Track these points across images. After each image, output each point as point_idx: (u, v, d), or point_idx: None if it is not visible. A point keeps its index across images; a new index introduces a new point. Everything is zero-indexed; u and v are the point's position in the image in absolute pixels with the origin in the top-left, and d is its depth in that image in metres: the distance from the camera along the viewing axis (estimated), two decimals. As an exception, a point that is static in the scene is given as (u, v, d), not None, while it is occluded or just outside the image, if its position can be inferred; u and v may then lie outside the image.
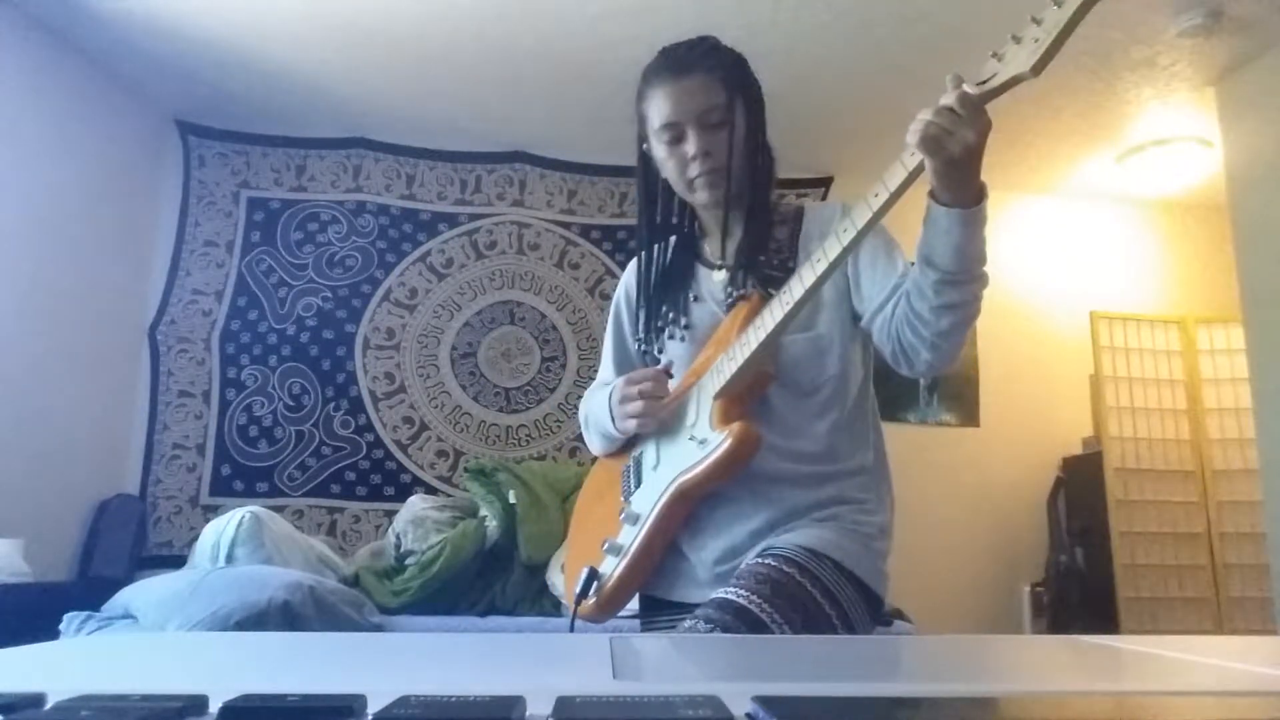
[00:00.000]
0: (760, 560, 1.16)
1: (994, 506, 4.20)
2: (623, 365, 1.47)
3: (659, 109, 1.28)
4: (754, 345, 1.17)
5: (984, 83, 1.01)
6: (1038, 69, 0.96)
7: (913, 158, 1.05)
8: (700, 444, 1.20)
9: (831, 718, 0.38)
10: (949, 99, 1.02)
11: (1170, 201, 4.53)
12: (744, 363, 1.19)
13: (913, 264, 1.19)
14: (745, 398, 1.23)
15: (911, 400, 4.19)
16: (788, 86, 3.50)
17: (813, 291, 1.13)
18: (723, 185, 1.29)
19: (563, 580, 1.46)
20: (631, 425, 1.29)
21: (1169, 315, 4.37)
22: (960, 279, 1.11)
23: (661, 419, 1.28)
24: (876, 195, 1.06)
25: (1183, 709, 0.44)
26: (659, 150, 1.31)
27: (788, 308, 1.14)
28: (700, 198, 1.31)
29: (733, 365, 1.20)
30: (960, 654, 0.75)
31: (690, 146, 1.27)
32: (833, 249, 1.10)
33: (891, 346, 1.22)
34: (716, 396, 1.22)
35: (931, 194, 1.09)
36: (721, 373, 1.22)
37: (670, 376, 1.30)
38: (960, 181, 1.06)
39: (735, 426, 1.17)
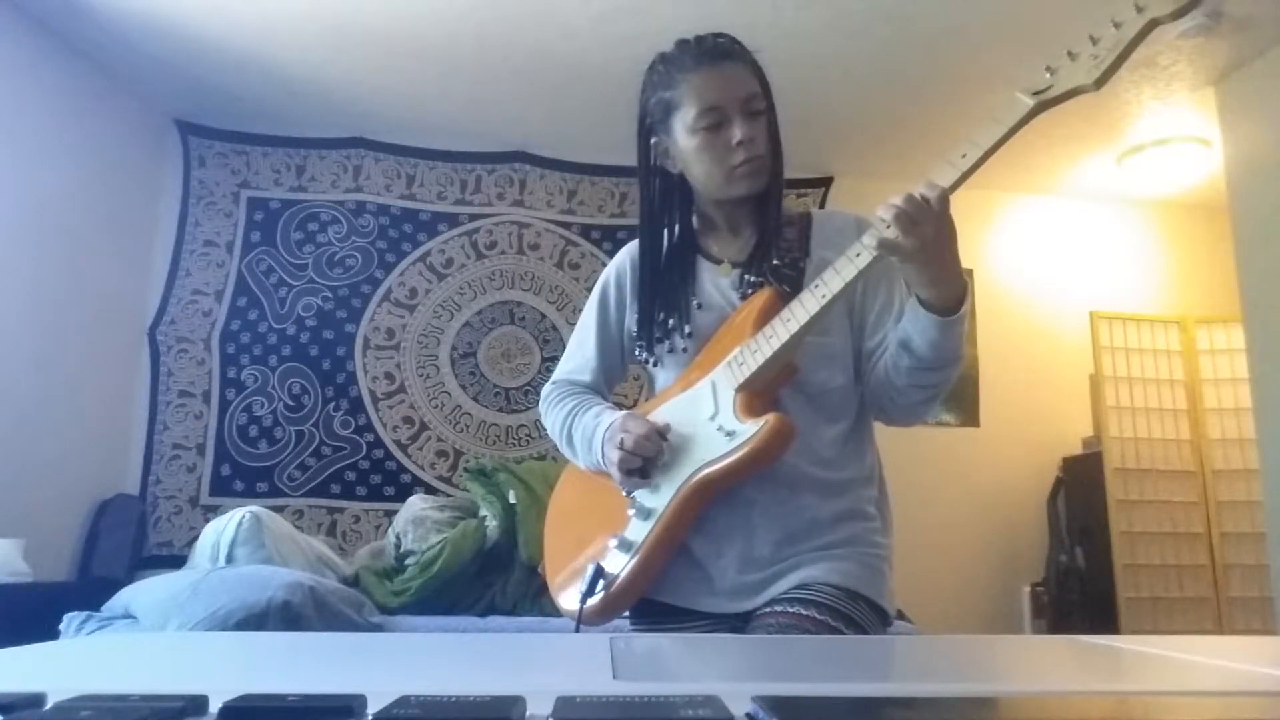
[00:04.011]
0: (803, 612, 1.15)
1: (994, 506, 4.20)
2: (605, 351, 1.40)
3: (698, 94, 1.23)
4: (784, 337, 1.15)
5: (1040, 92, 1.05)
6: (1100, 83, 1.02)
7: (964, 159, 1.08)
8: (729, 435, 1.16)
9: (831, 718, 0.38)
10: (929, 191, 1.06)
11: (1170, 201, 4.53)
12: (772, 354, 1.16)
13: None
14: (769, 390, 1.20)
15: (911, 400, 4.19)
16: (788, 86, 3.48)
17: (852, 285, 1.12)
18: (763, 175, 1.26)
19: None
20: (614, 473, 1.23)
21: (1169, 315, 4.37)
22: (935, 367, 1.16)
23: (642, 475, 1.22)
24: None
25: (1183, 709, 0.44)
26: (691, 139, 1.25)
27: (824, 300, 1.12)
28: (740, 188, 1.26)
29: (758, 357, 1.17)
30: (960, 654, 0.75)
31: (737, 132, 1.22)
32: (874, 243, 1.10)
33: (869, 398, 1.28)
34: (739, 389, 1.18)
35: (914, 293, 1.13)
36: (744, 364, 1.18)
37: (665, 439, 1.22)
38: (932, 278, 1.10)
39: (771, 417, 1.13)
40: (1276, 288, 3.24)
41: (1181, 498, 4.11)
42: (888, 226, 1.07)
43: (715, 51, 1.25)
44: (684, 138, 1.26)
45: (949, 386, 1.20)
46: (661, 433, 1.23)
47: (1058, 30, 3.13)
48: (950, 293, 1.11)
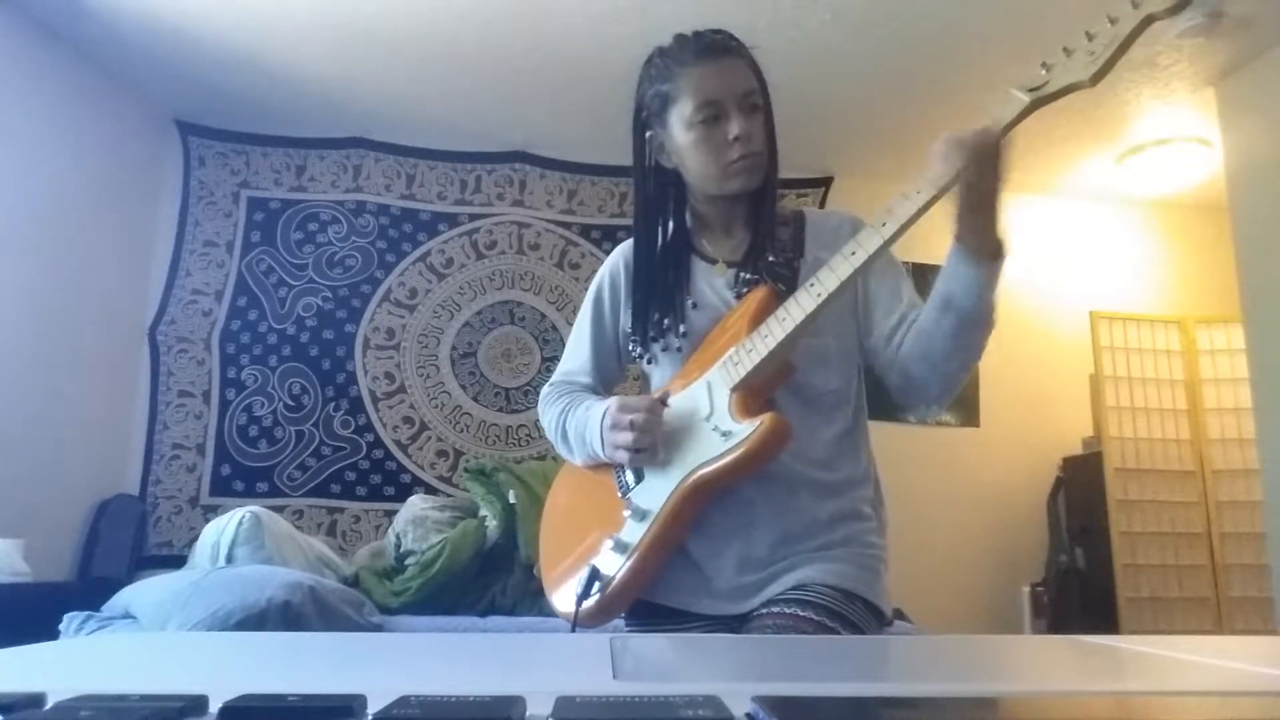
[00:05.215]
0: (799, 613, 1.15)
1: (994, 506, 4.19)
2: (600, 353, 1.39)
3: (696, 88, 1.22)
4: (780, 336, 1.14)
5: (1036, 89, 1.05)
6: (1096, 79, 1.02)
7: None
8: (724, 435, 1.15)
9: (831, 718, 0.38)
10: (986, 135, 1.06)
11: (1170, 201, 4.53)
12: (768, 354, 1.15)
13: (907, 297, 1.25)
14: (765, 390, 1.19)
15: (911, 400, 4.19)
16: (787, 86, 3.48)
17: (847, 284, 1.12)
18: (759, 172, 1.25)
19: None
20: (622, 457, 1.21)
21: (1169, 315, 4.37)
22: (979, 321, 1.15)
23: (654, 451, 1.21)
24: (919, 192, 1.09)
25: (1183, 709, 0.44)
26: (688, 134, 1.24)
27: (819, 299, 1.12)
28: (735, 184, 1.25)
29: (754, 356, 1.16)
30: (960, 654, 0.75)
31: (734, 127, 1.21)
32: (870, 242, 1.11)
33: (899, 380, 1.25)
34: (735, 388, 1.18)
35: (959, 239, 1.12)
36: (740, 364, 1.18)
37: (665, 405, 1.23)
38: (985, 225, 1.10)
39: (767, 418, 1.12)
40: (1276, 288, 3.24)
41: (1181, 498, 4.11)
42: (883, 225, 1.09)
43: (714, 46, 1.24)
44: (680, 132, 1.25)
45: (981, 354, 1.19)
46: (663, 400, 1.23)
47: (1058, 29, 3.12)
48: (995, 240, 1.11)
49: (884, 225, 1.10)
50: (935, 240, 1.15)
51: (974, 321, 1.15)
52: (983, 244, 1.11)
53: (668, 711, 0.35)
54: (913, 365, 1.22)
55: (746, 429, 1.14)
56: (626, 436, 1.19)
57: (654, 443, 1.20)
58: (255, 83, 3.61)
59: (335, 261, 3.93)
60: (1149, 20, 0.99)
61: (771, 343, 1.15)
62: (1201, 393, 4.22)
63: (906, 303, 1.26)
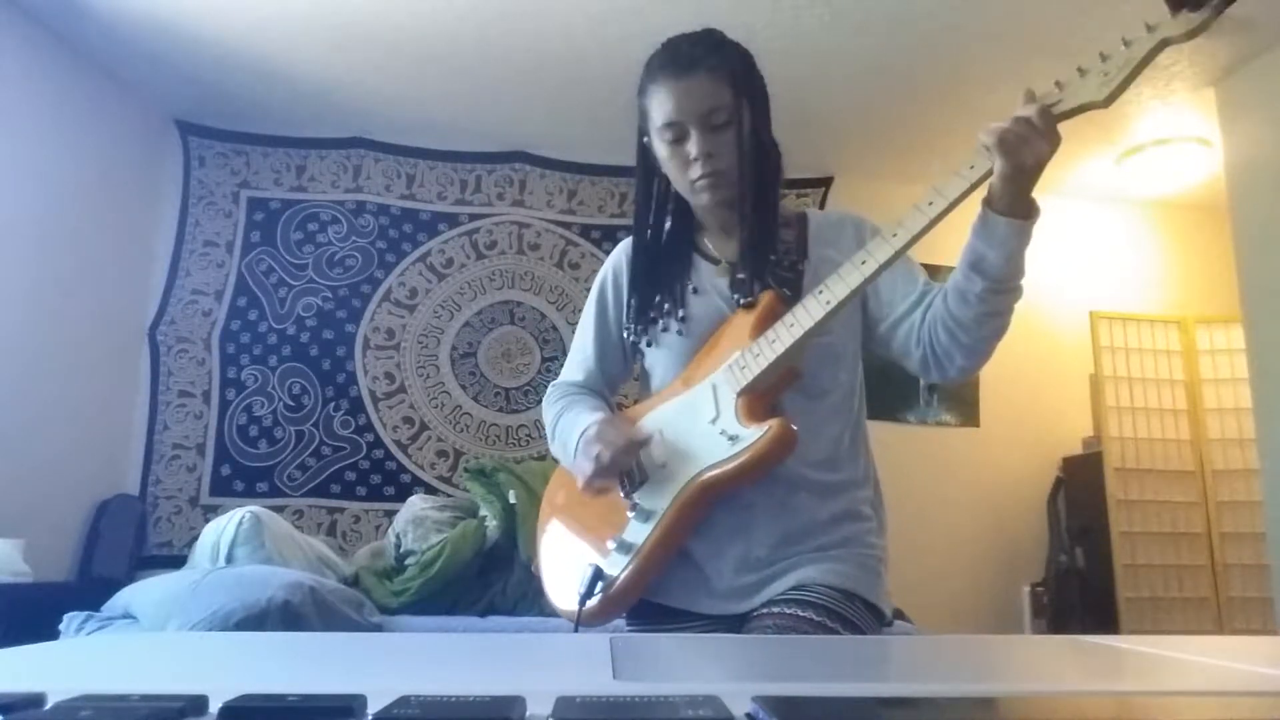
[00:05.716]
0: (799, 613, 1.16)
1: (994, 506, 4.19)
2: (605, 350, 1.40)
3: (661, 107, 1.24)
4: (788, 343, 1.15)
5: (1050, 106, 1.07)
6: (1109, 100, 1.06)
7: (972, 170, 1.09)
8: (731, 440, 1.17)
9: (831, 718, 0.38)
10: (1028, 111, 1.07)
11: (1170, 201, 4.53)
12: (775, 359, 1.16)
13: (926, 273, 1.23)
14: (770, 394, 1.20)
15: (911, 400, 4.19)
16: (788, 86, 3.47)
17: (856, 293, 1.13)
18: (726, 188, 1.25)
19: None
20: (582, 479, 1.24)
21: (1169, 315, 4.37)
22: (1007, 287, 1.14)
23: (602, 487, 1.23)
24: (931, 204, 1.10)
25: (1183, 709, 0.44)
26: (661, 149, 1.27)
27: (828, 307, 1.13)
28: (702, 199, 1.27)
29: (760, 361, 1.18)
30: (960, 654, 0.75)
31: (692, 148, 1.22)
32: (881, 252, 1.12)
33: (922, 353, 1.24)
34: (741, 392, 1.19)
35: (988, 203, 1.12)
36: (747, 368, 1.19)
37: (643, 445, 1.24)
38: (1022, 192, 1.11)
39: (774, 424, 1.14)
40: (1276, 288, 3.24)
41: (1181, 498, 4.11)
42: (894, 235, 1.10)
43: (680, 62, 1.24)
44: (657, 145, 1.28)
45: (1009, 322, 1.19)
46: (641, 443, 1.23)
47: (1058, 30, 3.14)
48: (1028, 201, 1.12)
49: (895, 235, 1.11)
50: (939, 241, 1.16)
51: (1003, 285, 1.13)
52: (1014, 206, 1.11)
53: (668, 711, 0.35)
54: (938, 336, 1.21)
55: (753, 434, 1.15)
56: (587, 467, 1.21)
57: (616, 477, 1.22)
58: (255, 83, 3.61)
59: (335, 261, 3.93)
60: (1164, 44, 1.01)
61: (779, 348, 1.16)
62: (1201, 393, 4.22)
63: (924, 282, 1.26)
